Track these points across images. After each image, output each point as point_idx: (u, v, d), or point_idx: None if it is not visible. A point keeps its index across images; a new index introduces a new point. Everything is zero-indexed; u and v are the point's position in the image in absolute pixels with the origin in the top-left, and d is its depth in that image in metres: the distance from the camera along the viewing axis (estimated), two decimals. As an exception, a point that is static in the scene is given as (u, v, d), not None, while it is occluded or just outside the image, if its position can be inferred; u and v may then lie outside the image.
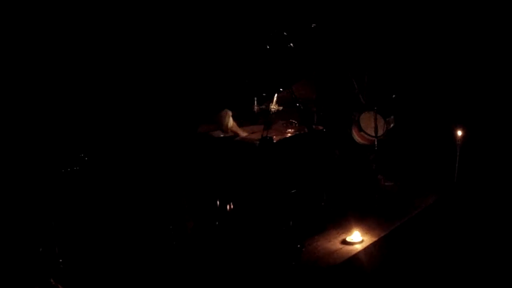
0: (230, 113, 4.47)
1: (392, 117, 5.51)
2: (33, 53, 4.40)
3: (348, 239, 4.46)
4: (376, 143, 5.19)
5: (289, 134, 4.62)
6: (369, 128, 5.25)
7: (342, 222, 4.80)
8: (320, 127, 4.89)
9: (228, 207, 4.49)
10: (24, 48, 4.36)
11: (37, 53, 4.41)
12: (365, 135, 5.30)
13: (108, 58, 4.65)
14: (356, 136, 5.41)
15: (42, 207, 4.19)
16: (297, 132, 4.65)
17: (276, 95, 4.74)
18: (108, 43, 4.65)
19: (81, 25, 4.54)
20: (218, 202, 4.52)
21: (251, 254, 4.18)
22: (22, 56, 4.36)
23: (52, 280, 3.91)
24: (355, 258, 4.24)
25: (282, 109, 4.78)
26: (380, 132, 5.19)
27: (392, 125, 5.52)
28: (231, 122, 4.48)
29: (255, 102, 4.89)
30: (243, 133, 4.60)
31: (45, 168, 4.21)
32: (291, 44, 4.64)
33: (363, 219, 4.85)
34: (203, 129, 4.62)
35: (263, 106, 4.87)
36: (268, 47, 4.68)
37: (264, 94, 4.84)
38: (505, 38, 6.22)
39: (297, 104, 4.59)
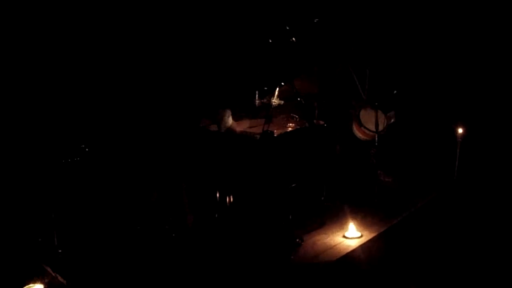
0: (230, 112, 4.47)
1: (393, 112, 5.50)
2: (35, 47, 4.40)
3: (347, 234, 4.47)
4: (376, 138, 5.19)
5: (290, 128, 4.61)
6: (369, 123, 5.24)
7: (341, 217, 4.81)
8: (321, 122, 4.88)
9: (227, 200, 4.49)
10: (26, 43, 4.37)
11: (39, 47, 4.42)
12: (366, 130, 5.28)
13: (112, 53, 4.65)
14: (357, 131, 5.40)
15: (42, 197, 4.20)
16: (298, 127, 4.64)
17: (277, 89, 4.73)
18: (111, 39, 4.65)
19: (92, 22, 4.55)
20: (218, 196, 4.53)
21: (250, 248, 4.19)
22: (24, 51, 4.37)
23: (50, 270, 3.92)
24: (353, 253, 4.25)
25: (283, 103, 4.77)
26: (381, 128, 5.19)
27: (392, 120, 5.52)
28: (230, 121, 4.48)
29: (257, 96, 4.88)
30: (239, 129, 4.59)
31: (46, 159, 4.21)
32: (293, 39, 4.63)
33: (362, 215, 4.86)
34: (203, 123, 4.61)
35: (264, 100, 4.86)
36: (270, 41, 4.67)
37: (265, 88, 4.83)
38: (506, 36, 6.21)
39: (298, 99, 4.58)
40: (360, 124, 5.29)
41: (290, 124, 4.68)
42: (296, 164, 4.52)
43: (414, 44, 6.34)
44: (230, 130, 4.47)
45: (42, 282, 3.78)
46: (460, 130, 5.52)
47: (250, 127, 4.63)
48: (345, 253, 4.22)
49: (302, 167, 4.59)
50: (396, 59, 6.02)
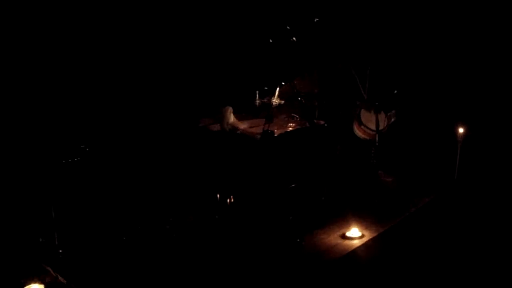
0: (231, 109, 4.46)
1: (393, 111, 5.49)
2: (36, 47, 4.41)
3: (348, 234, 4.47)
4: (377, 138, 5.19)
5: (290, 128, 4.61)
6: (370, 122, 5.24)
7: (342, 217, 4.80)
8: (322, 122, 4.88)
9: (228, 200, 4.49)
10: (27, 43, 4.38)
11: (39, 47, 4.42)
12: (366, 130, 5.28)
13: (112, 53, 4.65)
14: (357, 131, 5.39)
15: (42, 197, 4.20)
16: (299, 126, 4.64)
17: (278, 89, 4.73)
18: (111, 39, 4.65)
19: (91, 21, 4.55)
20: (218, 196, 4.53)
21: (251, 248, 4.18)
22: (25, 51, 4.38)
23: (51, 270, 3.92)
24: (354, 253, 4.25)
25: (283, 103, 4.77)
26: (381, 127, 5.18)
27: (393, 120, 5.51)
28: (232, 117, 4.48)
29: (257, 95, 4.89)
30: (242, 126, 4.59)
31: (46, 159, 4.21)
32: (294, 38, 4.63)
33: (363, 214, 4.86)
34: (203, 123, 4.62)
35: (265, 100, 4.87)
36: (270, 40, 4.67)
37: (266, 88, 4.83)
38: (506, 36, 6.21)
39: (299, 98, 4.58)
40: (360, 123, 5.28)
41: (291, 124, 4.68)
42: (296, 164, 4.52)
43: (415, 43, 6.33)
44: (233, 127, 4.47)
45: (42, 282, 3.78)
46: (461, 130, 5.51)
47: (251, 127, 4.63)
48: (345, 253, 4.22)
49: (303, 167, 4.59)
50: (397, 59, 6.02)
